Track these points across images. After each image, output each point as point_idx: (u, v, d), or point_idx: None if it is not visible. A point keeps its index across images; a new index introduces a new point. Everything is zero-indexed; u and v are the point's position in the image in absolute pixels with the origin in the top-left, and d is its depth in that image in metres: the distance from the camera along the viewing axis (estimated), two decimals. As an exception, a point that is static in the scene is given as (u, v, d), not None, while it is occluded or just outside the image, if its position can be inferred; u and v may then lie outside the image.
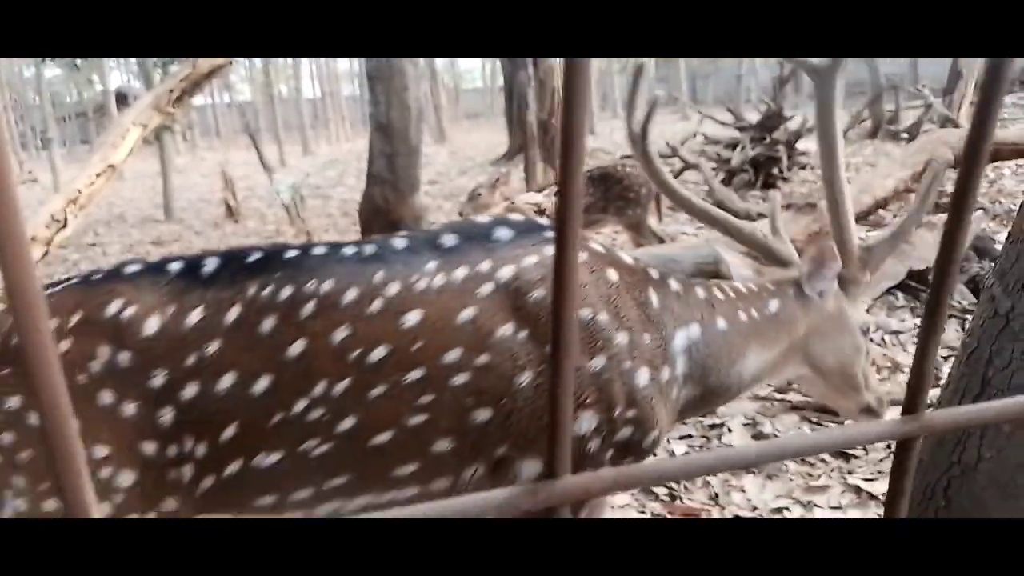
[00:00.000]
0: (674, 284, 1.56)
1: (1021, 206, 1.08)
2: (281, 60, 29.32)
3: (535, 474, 1.40)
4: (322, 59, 33.08)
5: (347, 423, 1.29)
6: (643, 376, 1.43)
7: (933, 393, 2.87)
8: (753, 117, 9.17)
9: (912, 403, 0.37)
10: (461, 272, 1.36)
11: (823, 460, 2.55)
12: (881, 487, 2.38)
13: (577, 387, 1.34)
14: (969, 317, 2.97)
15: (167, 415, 1.24)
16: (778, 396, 3.01)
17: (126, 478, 1.25)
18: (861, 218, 4.29)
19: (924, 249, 3.65)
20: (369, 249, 1.38)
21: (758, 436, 2.76)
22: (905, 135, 10.17)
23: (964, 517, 1.09)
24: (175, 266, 1.33)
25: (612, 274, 1.47)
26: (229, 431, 1.26)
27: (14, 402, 1.21)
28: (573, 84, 0.28)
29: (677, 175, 8.45)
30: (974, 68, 7.43)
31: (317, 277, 1.31)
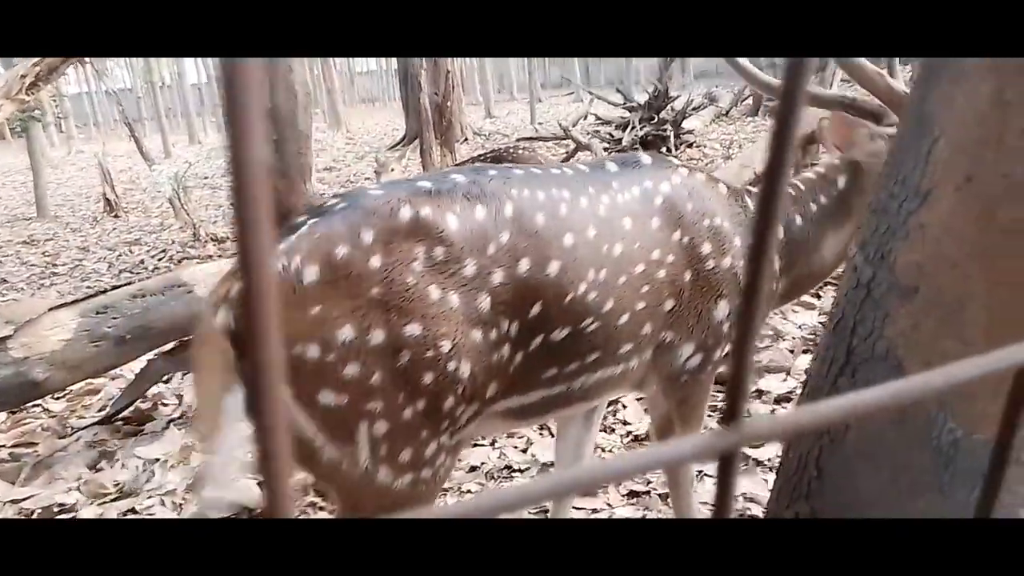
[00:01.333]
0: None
1: (880, 179, 1.10)
2: (161, 44, 27.75)
3: (689, 355, 1.67)
4: (206, 42, 31.45)
5: (608, 305, 1.48)
6: None
7: (805, 360, 3.00)
8: (642, 98, 9.36)
9: (732, 410, 0.33)
10: (636, 189, 1.60)
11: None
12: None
13: (717, 283, 1.64)
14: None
15: (484, 301, 1.33)
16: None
17: (465, 368, 1.32)
18: (746, 192, 4.46)
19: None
20: (579, 168, 1.61)
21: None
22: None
23: (835, 485, 1.12)
24: (425, 184, 1.39)
25: (722, 188, 1.75)
26: (535, 309, 1.39)
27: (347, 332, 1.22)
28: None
29: (571, 155, 8.53)
30: (845, 46, 7.86)
31: (555, 186, 1.49)
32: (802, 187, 1.93)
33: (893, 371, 1.02)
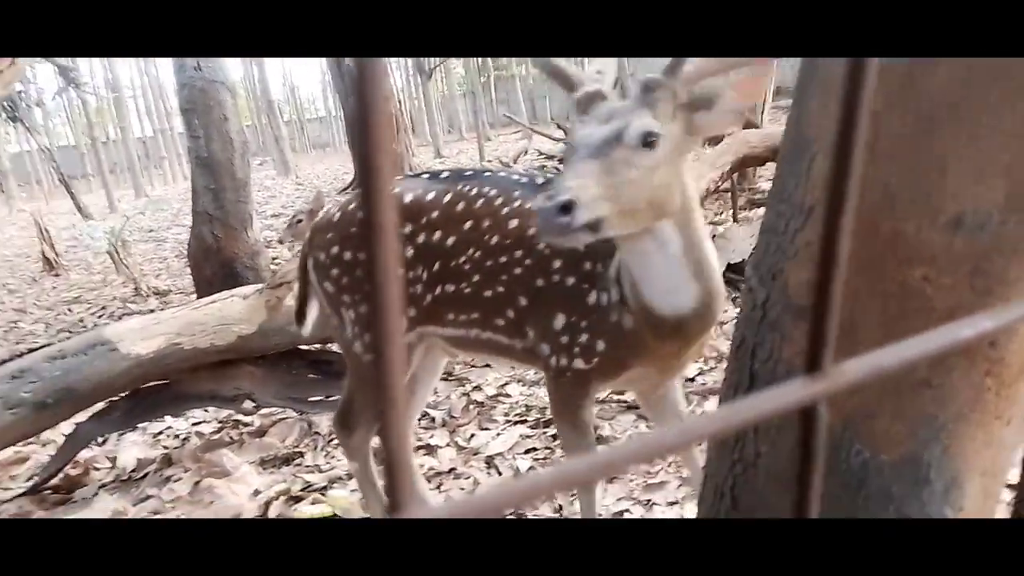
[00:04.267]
0: None
1: (767, 197, 1.10)
2: (103, 100, 27.34)
3: (547, 354, 1.81)
4: (150, 95, 31.20)
5: (475, 277, 1.86)
6: None
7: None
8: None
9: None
10: (520, 201, 1.86)
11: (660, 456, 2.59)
12: (714, 478, 2.43)
13: (556, 297, 1.78)
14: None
15: (409, 251, 1.92)
16: (615, 398, 3.06)
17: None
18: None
19: (739, 243, 3.85)
20: (524, 175, 1.98)
21: (600, 440, 2.77)
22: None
23: (750, 514, 1.09)
24: (425, 176, 2.07)
25: None
26: (435, 266, 1.91)
27: None
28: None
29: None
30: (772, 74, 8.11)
31: (490, 185, 1.90)
32: None
33: (795, 392, 1.00)
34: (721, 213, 6.13)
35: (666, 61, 1.42)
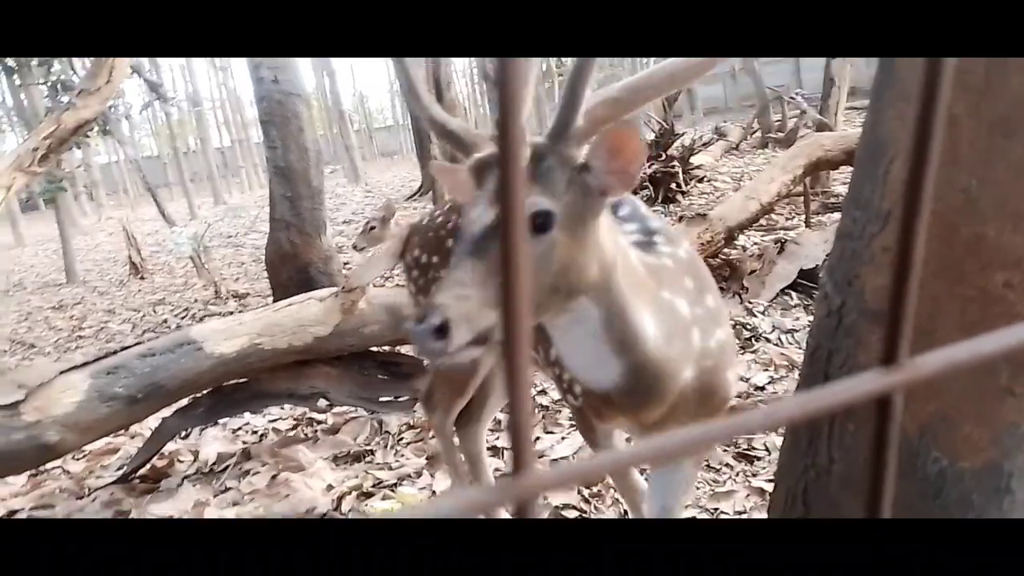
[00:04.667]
0: None
1: (843, 202, 1.09)
2: (184, 113, 28.59)
3: None
4: (228, 108, 32.50)
5: None
6: None
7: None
8: (648, 136, 9.45)
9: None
10: None
11: (728, 465, 2.57)
12: (784, 488, 2.39)
13: None
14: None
15: (415, 251, 2.19)
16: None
17: (411, 275, 2.27)
18: (752, 223, 4.42)
19: (811, 248, 3.77)
20: None
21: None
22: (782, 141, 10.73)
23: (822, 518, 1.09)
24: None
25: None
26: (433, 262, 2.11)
27: None
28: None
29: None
30: (846, 75, 7.92)
31: None
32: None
33: (870, 397, 1.00)
34: (793, 218, 6.01)
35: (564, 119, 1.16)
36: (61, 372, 2.57)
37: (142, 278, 9.58)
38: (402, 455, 3.07)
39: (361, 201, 15.52)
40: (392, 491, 2.73)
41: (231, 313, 6.69)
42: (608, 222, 1.24)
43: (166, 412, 3.07)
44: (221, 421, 3.45)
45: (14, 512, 2.98)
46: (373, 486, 2.78)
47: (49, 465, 3.13)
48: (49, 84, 10.72)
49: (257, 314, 3.03)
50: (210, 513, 2.66)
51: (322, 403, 3.37)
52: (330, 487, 2.79)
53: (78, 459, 3.37)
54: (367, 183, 20.24)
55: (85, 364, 2.65)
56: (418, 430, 3.21)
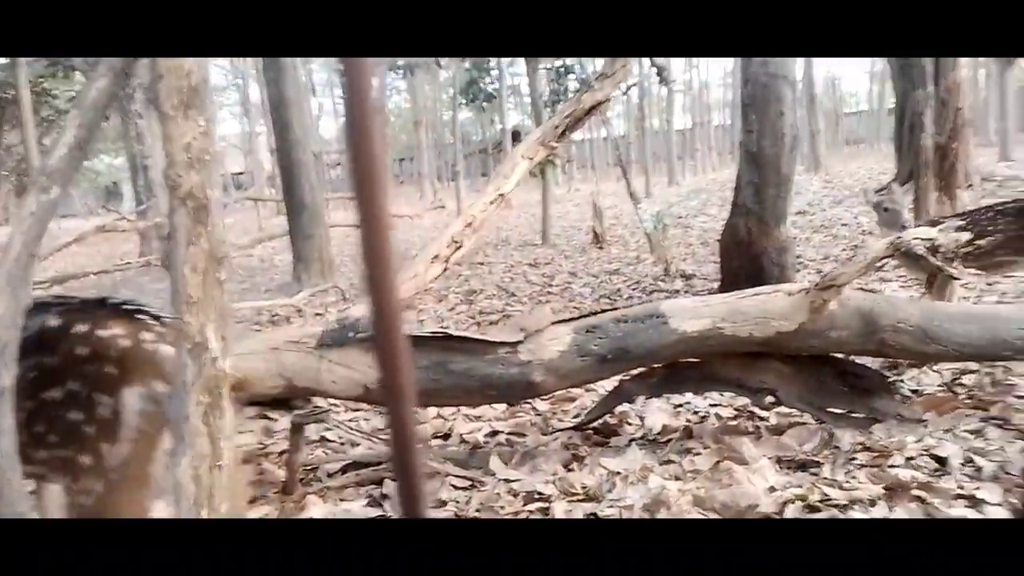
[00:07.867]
0: None
1: None
2: (656, 94, 30.26)
3: None
4: (695, 90, 33.49)
5: None
6: None
7: None
8: None
9: None
10: None
11: None
12: None
13: None
14: None
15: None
16: None
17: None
18: None
19: None
20: None
21: None
22: None
23: None
24: None
25: None
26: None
27: None
28: None
29: None
30: None
31: None
32: None
33: None
34: None
35: None
36: (552, 323, 2.93)
37: (600, 247, 10.55)
38: (854, 476, 2.80)
39: (818, 191, 14.63)
40: (841, 512, 2.51)
41: (677, 291, 6.96)
42: None
43: (624, 376, 3.31)
44: (664, 395, 3.59)
45: (496, 433, 3.55)
46: (820, 501, 2.59)
47: (523, 402, 3.65)
48: (553, 68, 12.25)
49: (724, 298, 3.04)
50: (653, 482, 2.79)
51: (767, 400, 3.27)
52: (772, 489, 2.69)
53: (544, 400, 3.85)
54: (827, 172, 18.99)
55: (571, 319, 2.98)
56: (876, 454, 2.89)
